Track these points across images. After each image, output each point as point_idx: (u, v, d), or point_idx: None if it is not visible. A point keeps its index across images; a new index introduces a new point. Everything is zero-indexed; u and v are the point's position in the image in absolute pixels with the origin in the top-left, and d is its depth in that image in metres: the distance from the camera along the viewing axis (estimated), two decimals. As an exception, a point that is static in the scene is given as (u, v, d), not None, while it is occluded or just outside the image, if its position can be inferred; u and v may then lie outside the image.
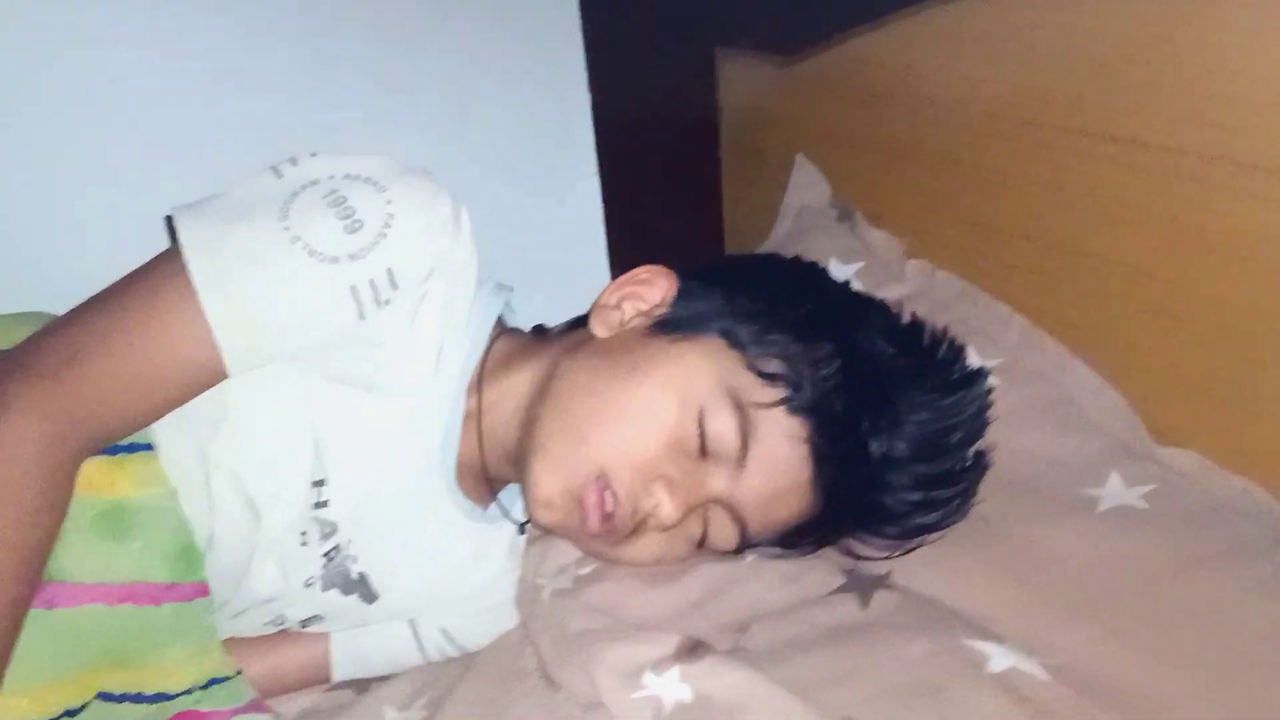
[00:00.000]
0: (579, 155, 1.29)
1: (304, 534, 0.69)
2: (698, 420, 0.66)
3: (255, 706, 0.71)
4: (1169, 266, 0.74)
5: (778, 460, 0.66)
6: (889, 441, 0.67)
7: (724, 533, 0.69)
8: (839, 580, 0.69)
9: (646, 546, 0.69)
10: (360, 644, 0.77)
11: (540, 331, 0.80)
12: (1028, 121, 0.81)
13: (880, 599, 0.67)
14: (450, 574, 0.75)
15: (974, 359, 0.76)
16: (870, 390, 0.67)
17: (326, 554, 0.70)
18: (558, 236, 1.29)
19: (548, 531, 0.73)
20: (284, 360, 0.65)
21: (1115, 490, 0.71)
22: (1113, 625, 0.62)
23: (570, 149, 1.29)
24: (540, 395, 0.70)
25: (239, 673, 0.71)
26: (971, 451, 0.71)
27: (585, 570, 0.72)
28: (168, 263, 0.63)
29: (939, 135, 0.89)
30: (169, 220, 0.65)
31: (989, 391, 0.71)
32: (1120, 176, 0.75)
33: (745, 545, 0.70)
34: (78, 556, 0.63)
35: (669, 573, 0.71)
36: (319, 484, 0.68)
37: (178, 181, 0.71)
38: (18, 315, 0.71)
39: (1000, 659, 0.60)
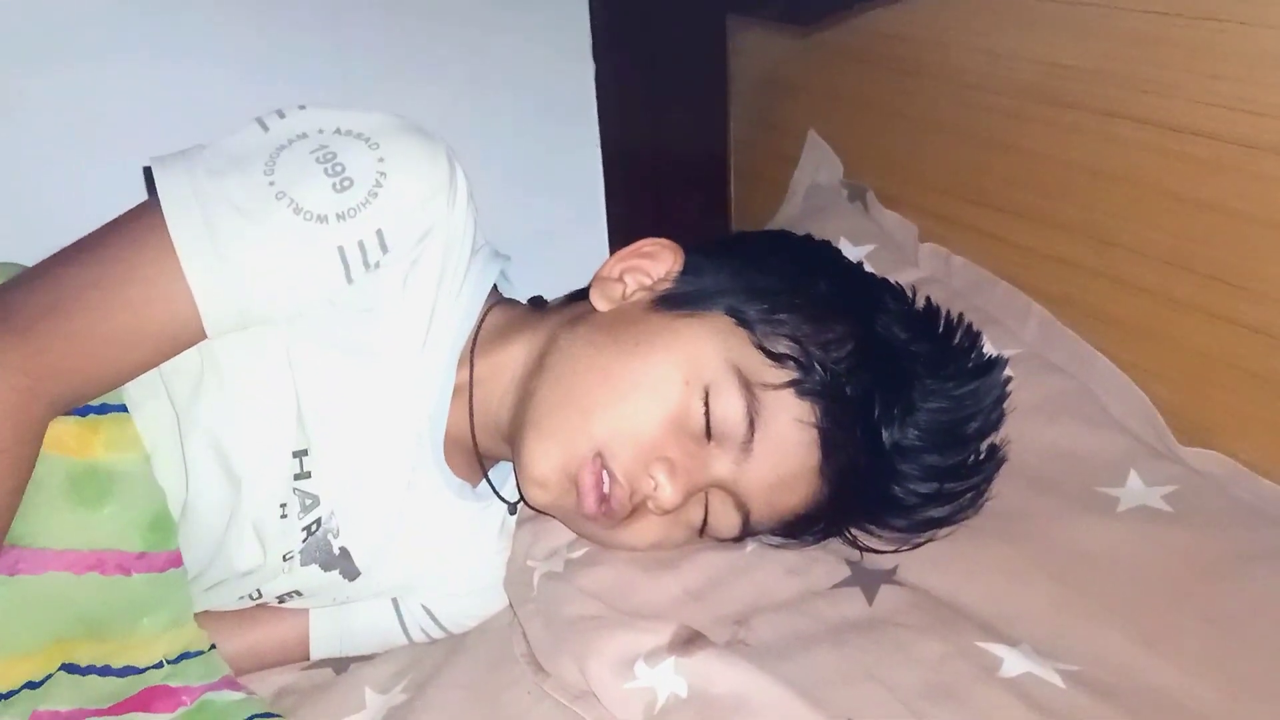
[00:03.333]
0: (581, 121, 1.25)
1: (284, 506, 0.66)
2: (703, 400, 0.63)
3: (228, 683, 0.68)
4: (1207, 258, 0.71)
5: (785, 445, 0.63)
6: (901, 430, 0.64)
7: (726, 519, 0.66)
8: (843, 573, 0.66)
9: (644, 531, 0.66)
10: (341, 621, 0.74)
11: (537, 303, 0.77)
12: (1061, 103, 0.77)
13: (886, 594, 0.64)
14: (436, 553, 0.72)
15: (990, 348, 0.73)
16: (883, 376, 0.64)
17: (307, 527, 0.67)
18: (556, 204, 1.25)
19: (540, 512, 0.70)
20: (266, 322, 0.62)
21: (1135, 490, 0.68)
22: (1132, 631, 0.60)
23: (572, 113, 1.25)
24: (536, 369, 0.67)
25: (212, 647, 0.68)
26: (986, 444, 0.68)
27: (578, 553, 0.69)
28: (146, 216, 0.59)
29: (964, 113, 0.86)
30: (147, 171, 0.61)
31: (1006, 381, 0.69)
32: (1158, 163, 0.72)
33: (747, 533, 0.67)
34: (44, 521, 0.59)
35: (666, 559, 0.68)
36: (301, 454, 0.65)
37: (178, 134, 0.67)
38: None
39: (1014, 663, 0.57)
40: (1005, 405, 0.68)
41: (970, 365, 0.68)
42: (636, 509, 0.64)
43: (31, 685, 0.61)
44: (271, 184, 0.59)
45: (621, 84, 1.21)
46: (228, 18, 1.02)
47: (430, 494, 0.70)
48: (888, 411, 0.64)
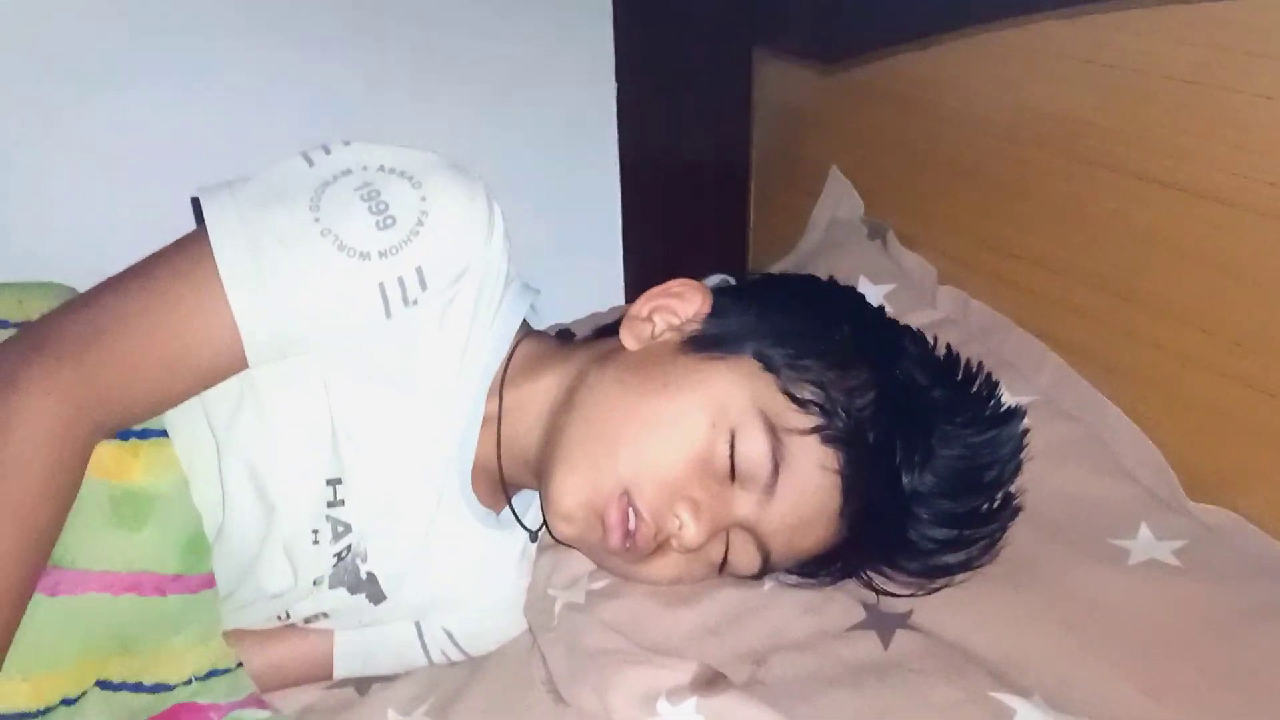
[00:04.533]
0: (601, 148, 1.26)
1: (316, 532, 0.67)
2: (729, 442, 0.64)
3: (254, 701, 0.70)
4: (1221, 318, 0.73)
5: (807, 489, 0.64)
6: (920, 476, 0.66)
7: (745, 558, 0.67)
8: (859, 615, 0.68)
9: (665, 567, 0.68)
10: (364, 642, 0.75)
11: (566, 337, 0.78)
12: (1085, 159, 0.79)
13: (901, 639, 0.65)
14: (460, 579, 0.73)
15: (1008, 396, 0.74)
16: (904, 422, 0.66)
17: (338, 553, 0.68)
18: (574, 232, 1.26)
19: (565, 544, 0.72)
20: (306, 353, 0.63)
21: (1146, 543, 0.70)
22: (1154, 687, 0.61)
23: (592, 140, 1.26)
24: (565, 405, 0.68)
25: (239, 665, 0.70)
26: (1002, 493, 0.69)
27: (598, 585, 0.71)
28: (193, 245, 0.61)
29: (987, 159, 0.88)
30: (195, 202, 0.63)
31: (1025, 432, 0.70)
32: (1178, 223, 0.73)
33: (766, 571, 0.68)
34: (85, 542, 0.61)
35: (686, 594, 0.69)
36: (335, 482, 0.66)
37: (217, 161, 0.69)
38: (35, 285, 0.69)
39: (1027, 715, 0.58)
40: (1022, 455, 0.70)
41: (988, 414, 0.70)
42: (660, 546, 0.66)
43: (67, 702, 0.62)
44: (316, 220, 0.61)
45: (643, 104, 1.22)
46: (253, 38, 1.03)
47: (455, 520, 0.71)
48: (908, 458, 0.65)
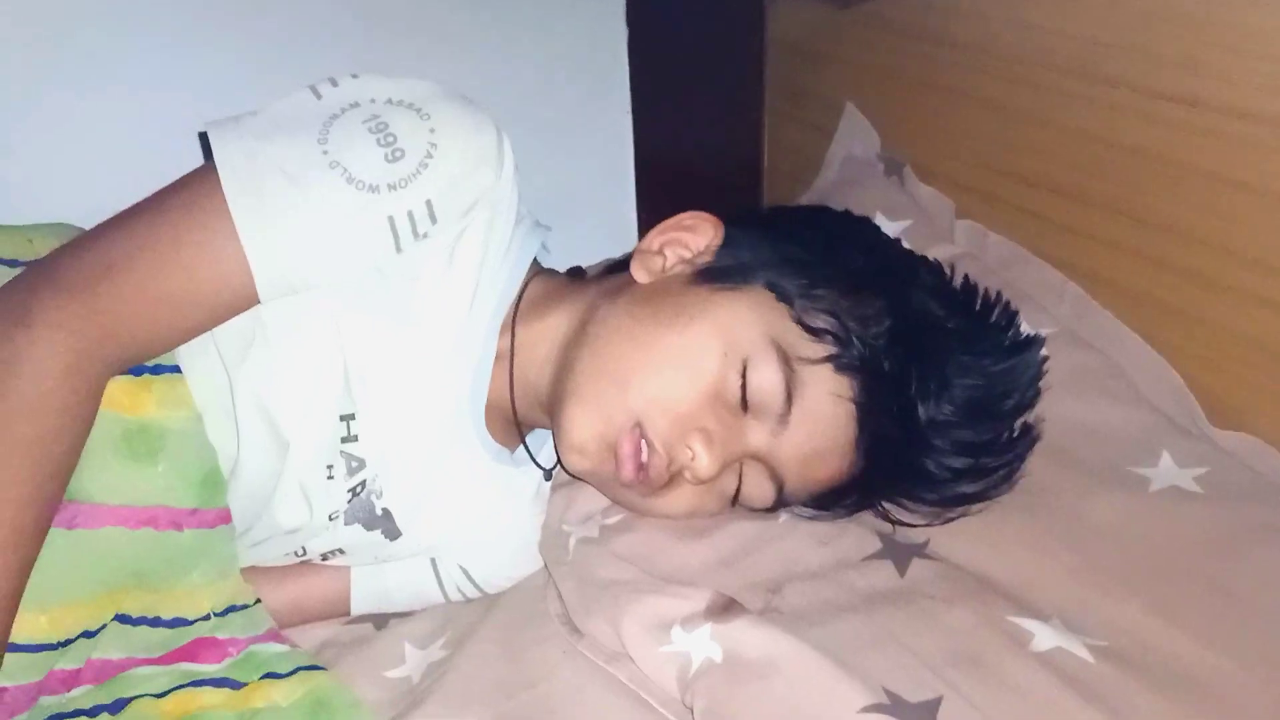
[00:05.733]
0: (612, 84, 1.24)
1: (330, 468, 0.67)
2: (740, 372, 0.64)
3: (273, 635, 0.70)
4: (1244, 239, 0.71)
5: (821, 418, 0.64)
6: (936, 405, 0.65)
7: (759, 489, 0.67)
8: (875, 545, 0.67)
9: (679, 499, 0.67)
10: (381, 579, 0.76)
11: (577, 273, 0.77)
12: (1101, 80, 0.77)
13: (918, 567, 0.65)
14: (474, 515, 0.74)
15: (1026, 326, 0.73)
16: (919, 351, 0.65)
17: (352, 489, 0.69)
18: (585, 169, 1.25)
19: (577, 479, 0.72)
20: (316, 288, 0.63)
21: (1167, 470, 0.69)
22: (1162, 605, 0.61)
23: (604, 77, 1.24)
24: (577, 340, 0.68)
25: (257, 601, 0.70)
26: (1020, 422, 0.68)
27: (612, 520, 0.71)
28: (202, 180, 0.61)
29: (1003, 87, 0.86)
30: (203, 136, 0.62)
31: (1043, 361, 0.69)
32: (1198, 143, 0.72)
33: (780, 504, 0.68)
34: (99, 477, 0.61)
35: (700, 527, 0.69)
36: (348, 418, 0.67)
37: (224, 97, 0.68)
38: (43, 225, 0.69)
39: (1045, 638, 0.58)
40: (1041, 384, 0.69)
41: (1007, 343, 0.69)
42: (673, 478, 0.66)
43: (88, 634, 0.63)
44: (325, 153, 0.60)
45: (656, 45, 1.20)
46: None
47: (469, 457, 0.71)
48: (924, 387, 0.65)
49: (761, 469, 0.66)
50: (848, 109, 1.02)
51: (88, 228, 0.65)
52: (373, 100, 0.62)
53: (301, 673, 0.68)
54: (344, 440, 0.67)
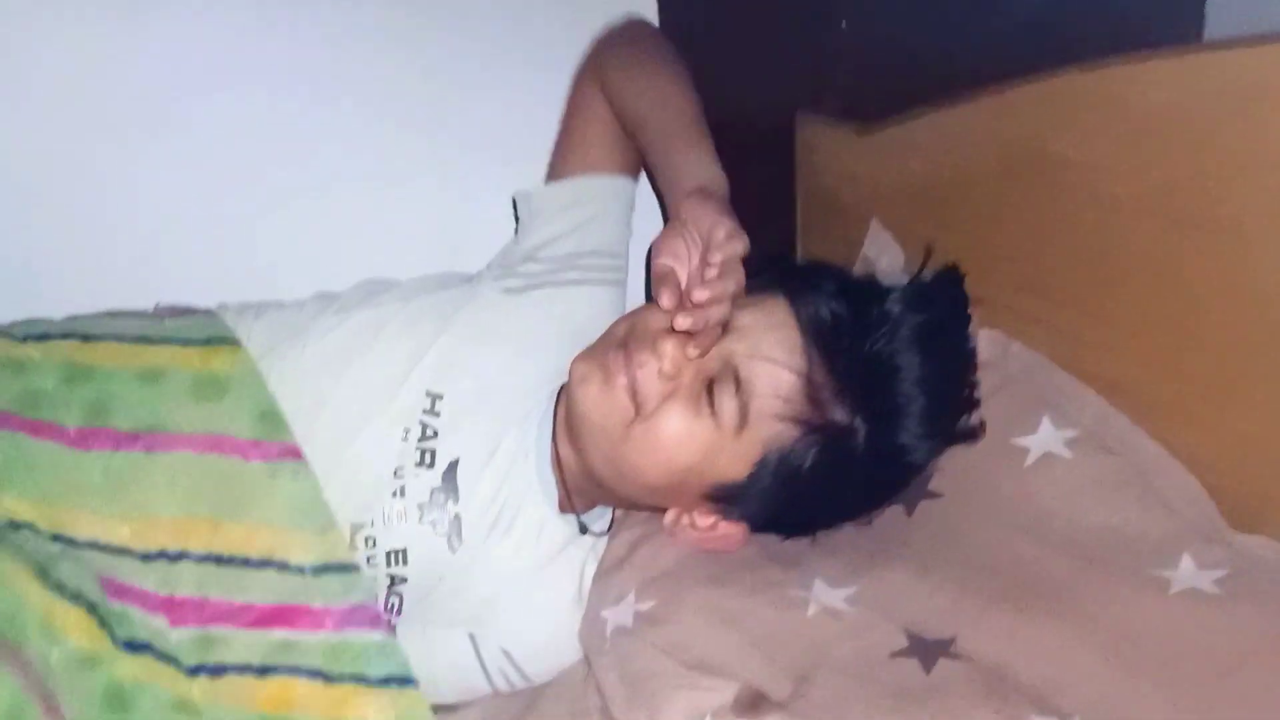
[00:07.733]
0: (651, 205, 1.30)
1: (407, 430, 0.79)
2: None
3: (370, 616, 0.73)
4: (1262, 350, 0.74)
5: (771, 323, 0.74)
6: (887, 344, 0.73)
7: (729, 400, 0.72)
8: (902, 642, 0.70)
9: (668, 417, 0.73)
10: (427, 660, 0.77)
11: None
12: (1110, 203, 0.81)
13: (944, 666, 0.67)
14: (526, 557, 0.79)
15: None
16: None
17: (421, 452, 0.78)
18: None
19: (587, 418, 0.75)
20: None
21: (1188, 573, 0.70)
22: (1182, 705, 0.62)
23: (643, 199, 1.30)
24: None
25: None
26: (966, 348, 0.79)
27: (645, 606, 0.74)
28: None
29: (1018, 204, 0.91)
30: None
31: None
32: (1211, 259, 0.75)
33: (746, 414, 0.72)
34: (174, 413, 0.76)
35: (728, 615, 0.72)
36: (435, 395, 0.79)
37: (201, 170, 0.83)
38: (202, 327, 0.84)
39: (1067, 738, 0.59)
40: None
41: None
42: (664, 399, 0.73)
43: (167, 556, 0.72)
44: None
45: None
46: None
47: (530, 489, 0.80)
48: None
49: (728, 384, 0.72)
50: (873, 225, 1.08)
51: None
52: None
53: (393, 688, 0.72)
54: (425, 412, 0.79)
